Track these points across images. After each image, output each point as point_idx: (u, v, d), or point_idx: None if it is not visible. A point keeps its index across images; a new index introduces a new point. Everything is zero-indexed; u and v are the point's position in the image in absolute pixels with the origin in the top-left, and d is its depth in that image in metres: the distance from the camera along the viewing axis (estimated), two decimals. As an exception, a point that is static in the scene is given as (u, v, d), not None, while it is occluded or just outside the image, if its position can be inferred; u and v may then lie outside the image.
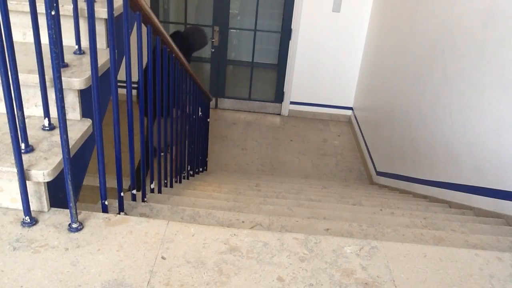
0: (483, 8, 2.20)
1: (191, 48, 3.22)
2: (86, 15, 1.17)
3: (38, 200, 1.22)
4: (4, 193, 1.22)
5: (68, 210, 1.19)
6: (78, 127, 1.38)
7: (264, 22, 5.18)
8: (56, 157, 1.21)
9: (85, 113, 1.45)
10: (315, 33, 4.96)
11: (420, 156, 2.90)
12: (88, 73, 1.36)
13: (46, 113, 1.31)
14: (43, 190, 1.21)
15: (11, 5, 1.45)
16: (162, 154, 2.04)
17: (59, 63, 1.05)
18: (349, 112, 5.40)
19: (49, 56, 1.02)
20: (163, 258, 1.12)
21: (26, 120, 1.19)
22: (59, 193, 1.26)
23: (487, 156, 2.06)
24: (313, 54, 5.07)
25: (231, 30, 5.27)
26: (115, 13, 1.46)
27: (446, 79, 2.58)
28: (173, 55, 2.07)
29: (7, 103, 1.05)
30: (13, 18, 1.15)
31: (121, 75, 1.39)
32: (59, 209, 1.25)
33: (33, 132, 1.31)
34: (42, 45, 1.20)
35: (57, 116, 1.07)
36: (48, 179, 1.16)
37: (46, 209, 1.24)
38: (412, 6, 3.43)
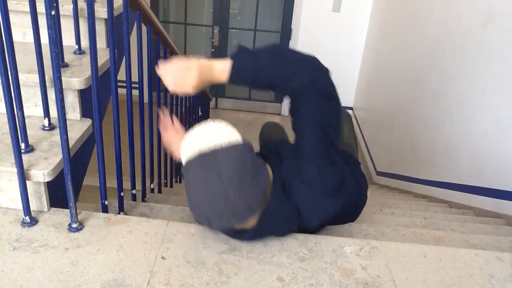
0: (483, 8, 2.20)
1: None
2: (86, 15, 1.17)
3: (38, 200, 1.22)
4: (4, 193, 1.22)
5: (68, 210, 1.19)
6: (78, 127, 1.38)
7: (264, 22, 5.18)
8: (56, 157, 1.21)
9: (85, 113, 1.45)
10: (315, 33, 4.95)
11: (420, 156, 2.90)
12: (88, 73, 1.36)
13: (46, 113, 1.31)
14: (43, 190, 1.21)
15: (11, 5, 1.45)
16: None
17: (59, 63, 1.05)
18: (349, 112, 5.40)
19: (49, 56, 1.02)
20: (163, 258, 1.11)
21: (26, 120, 1.19)
22: (59, 193, 1.26)
23: (487, 156, 2.06)
24: (313, 54, 5.06)
25: (231, 30, 5.26)
26: (115, 13, 1.46)
27: (446, 79, 2.58)
28: (173, 54, 2.07)
29: (7, 103, 1.05)
30: (13, 18, 1.15)
31: (121, 75, 1.39)
32: (59, 209, 1.25)
33: (33, 132, 1.31)
34: (42, 45, 1.20)
35: (57, 116, 1.07)
36: (48, 179, 1.16)
37: (46, 209, 1.24)
38: (412, 6, 3.43)
